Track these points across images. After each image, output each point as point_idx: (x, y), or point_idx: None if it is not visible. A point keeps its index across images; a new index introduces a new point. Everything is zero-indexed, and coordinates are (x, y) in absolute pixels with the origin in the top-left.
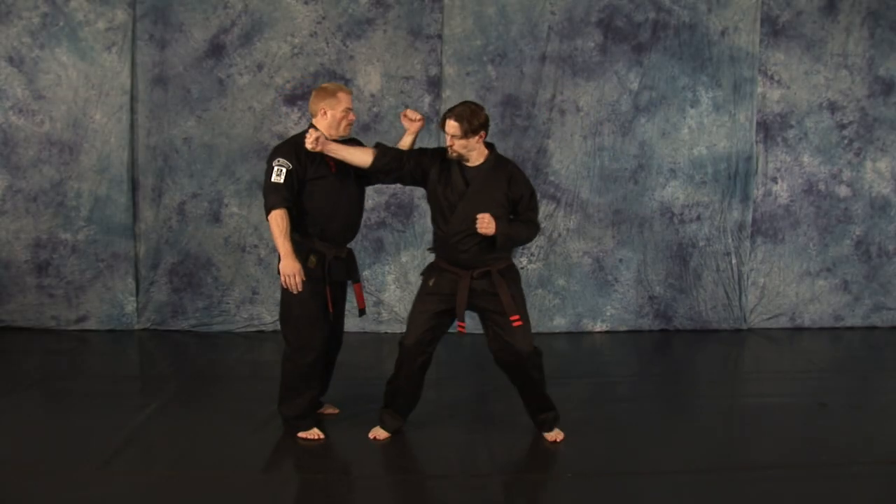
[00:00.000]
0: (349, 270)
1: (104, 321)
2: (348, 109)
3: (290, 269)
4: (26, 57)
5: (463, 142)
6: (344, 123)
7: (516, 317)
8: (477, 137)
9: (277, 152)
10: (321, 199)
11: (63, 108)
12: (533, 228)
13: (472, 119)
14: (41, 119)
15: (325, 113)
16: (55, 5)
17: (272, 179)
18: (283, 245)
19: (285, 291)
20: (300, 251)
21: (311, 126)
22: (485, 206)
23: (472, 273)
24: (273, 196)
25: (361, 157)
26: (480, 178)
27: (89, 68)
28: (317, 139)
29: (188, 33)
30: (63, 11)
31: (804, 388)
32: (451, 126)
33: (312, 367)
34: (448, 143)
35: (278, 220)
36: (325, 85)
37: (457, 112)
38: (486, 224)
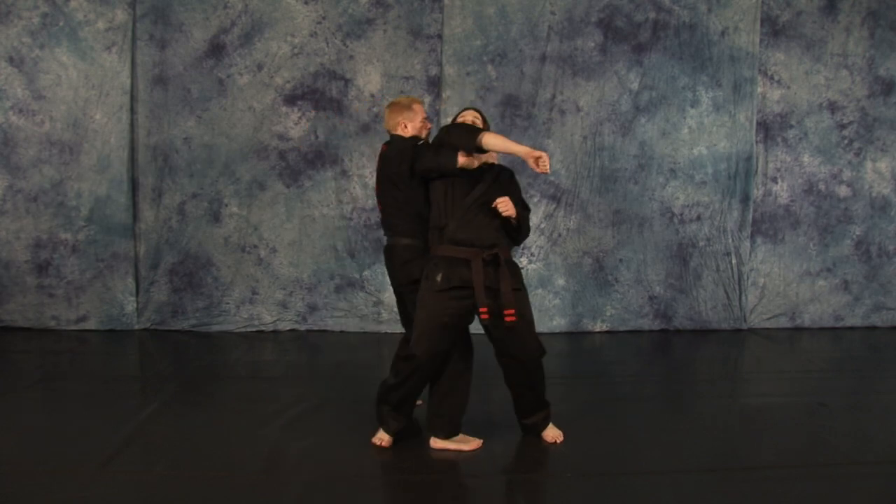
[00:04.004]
0: None
1: (104, 321)
2: (426, 119)
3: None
4: (26, 57)
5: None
6: (424, 133)
7: (511, 311)
8: None
9: (406, 140)
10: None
11: (63, 108)
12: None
13: (484, 121)
14: (41, 119)
15: (405, 126)
16: (55, 5)
17: (433, 147)
18: (512, 144)
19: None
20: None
21: (393, 137)
22: (500, 193)
23: (483, 255)
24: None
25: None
26: (492, 173)
27: (89, 68)
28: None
29: (188, 33)
30: (63, 11)
31: (804, 388)
32: (472, 114)
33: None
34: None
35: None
36: (398, 100)
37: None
38: (505, 205)
